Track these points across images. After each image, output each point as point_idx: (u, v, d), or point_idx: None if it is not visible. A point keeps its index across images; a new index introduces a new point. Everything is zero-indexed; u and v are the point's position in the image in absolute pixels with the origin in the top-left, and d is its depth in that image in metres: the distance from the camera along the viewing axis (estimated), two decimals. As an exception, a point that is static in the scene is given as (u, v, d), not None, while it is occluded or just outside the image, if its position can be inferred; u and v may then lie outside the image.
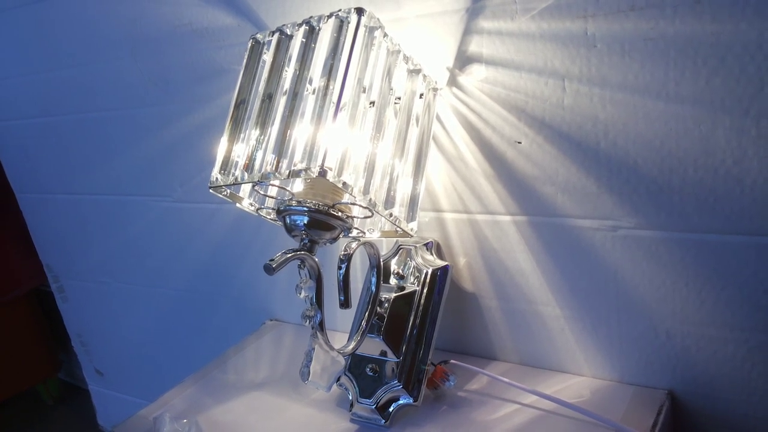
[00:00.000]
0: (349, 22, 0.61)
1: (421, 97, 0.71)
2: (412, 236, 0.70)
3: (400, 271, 0.78)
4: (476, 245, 0.79)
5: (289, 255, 0.61)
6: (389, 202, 0.66)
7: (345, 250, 0.67)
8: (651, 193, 0.66)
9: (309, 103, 0.61)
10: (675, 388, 0.72)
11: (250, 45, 0.69)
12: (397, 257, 0.80)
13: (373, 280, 0.73)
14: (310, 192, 0.64)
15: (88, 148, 1.19)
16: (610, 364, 0.75)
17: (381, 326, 0.74)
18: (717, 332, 0.67)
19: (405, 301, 0.76)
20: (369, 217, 0.68)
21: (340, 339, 0.87)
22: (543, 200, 0.72)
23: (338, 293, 0.67)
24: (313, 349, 0.65)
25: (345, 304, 0.68)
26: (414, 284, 0.77)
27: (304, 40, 0.64)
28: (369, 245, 0.71)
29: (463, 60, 0.72)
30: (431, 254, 0.80)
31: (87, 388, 1.59)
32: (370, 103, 0.64)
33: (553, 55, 0.66)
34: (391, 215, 0.66)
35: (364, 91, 0.62)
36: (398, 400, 0.73)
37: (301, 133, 0.61)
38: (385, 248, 0.83)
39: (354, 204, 0.66)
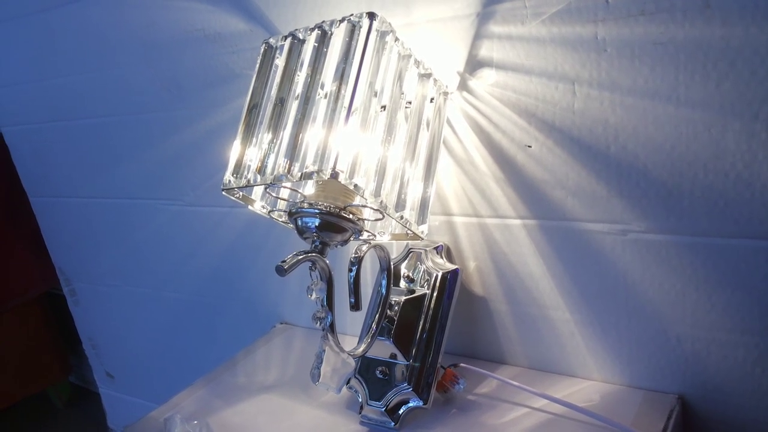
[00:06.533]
0: (360, 27, 0.61)
1: (431, 101, 0.71)
2: (422, 239, 0.70)
3: (410, 275, 0.79)
4: (486, 249, 0.79)
5: (301, 257, 0.62)
6: (400, 205, 0.67)
7: (356, 252, 0.67)
8: (661, 197, 0.66)
9: (321, 107, 0.62)
10: (685, 392, 0.72)
11: (262, 50, 0.69)
12: (407, 260, 0.80)
13: (384, 282, 0.74)
14: (322, 194, 0.65)
15: (101, 152, 1.20)
16: (620, 369, 0.75)
17: (391, 329, 0.75)
18: (727, 336, 0.67)
19: (415, 304, 0.76)
20: (380, 219, 0.69)
21: (350, 342, 0.87)
22: (553, 204, 0.72)
23: (349, 295, 0.68)
24: (324, 350, 0.65)
25: (355, 306, 0.68)
26: (424, 287, 0.77)
27: (316, 44, 0.65)
28: (379, 248, 0.71)
29: (474, 64, 0.72)
30: (441, 258, 0.80)
31: (98, 392, 1.60)
32: (382, 107, 0.65)
33: (563, 60, 0.66)
34: (401, 218, 0.66)
35: (375, 95, 0.63)
36: (408, 402, 0.73)
37: (313, 136, 0.61)
38: (395, 251, 0.84)
39: (365, 206, 0.66)
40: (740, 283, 0.65)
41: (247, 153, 0.67)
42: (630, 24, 0.62)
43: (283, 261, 0.60)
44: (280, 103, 0.66)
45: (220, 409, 0.82)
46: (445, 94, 0.73)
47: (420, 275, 0.78)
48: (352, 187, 0.59)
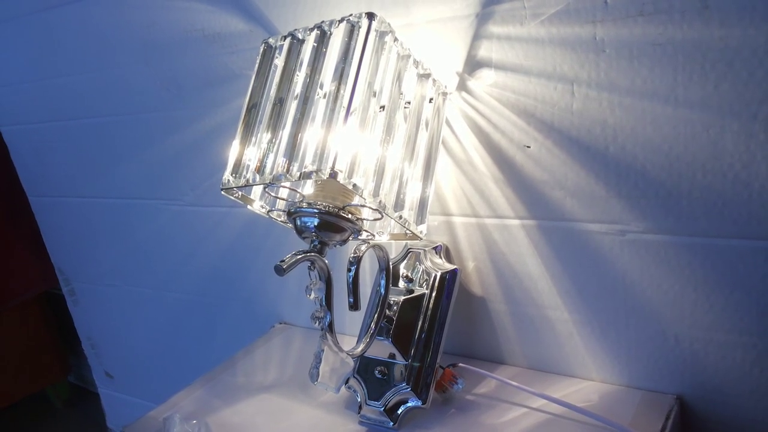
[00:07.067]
0: (360, 27, 0.61)
1: (430, 102, 0.71)
2: (421, 239, 0.70)
3: (409, 275, 0.79)
4: (485, 249, 0.79)
5: (300, 256, 0.62)
6: (399, 204, 0.67)
7: (354, 252, 0.67)
8: (659, 198, 0.66)
9: (320, 107, 0.62)
10: (684, 392, 0.72)
11: (262, 49, 0.70)
12: (406, 260, 0.80)
13: (383, 282, 0.74)
14: (321, 194, 0.65)
15: (101, 152, 1.20)
16: (619, 369, 0.75)
17: (390, 329, 0.75)
18: (725, 337, 0.67)
19: (414, 304, 0.76)
20: (378, 219, 0.69)
21: (349, 342, 0.87)
22: (552, 204, 0.72)
23: (347, 295, 0.68)
24: (323, 350, 0.65)
25: (354, 306, 0.68)
26: (423, 287, 0.77)
27: (315, 44, 0.65)
28: (378, 248, 0.71)
29: (473, 65, 0.72)
30: (440, 258, 0.80)
31: (97, 392, 1.60)
32: (381, 107, 0.65)
33: (562, 60, 0.66)
34: (400, 218, 0.66)
35: (374, 96, 0.63)
36: (407, 402, 0.73)
37: (311, 136, 0.61)
38: (394, 251, 0.84)
39: (364, 206, 0.66)
40: (739, 284, 0.65)
41: (246, 153, 0.67)
42: (628, 25, 0.62)
43: (282, 260, 0.60)
44: (279, 102, 0.66)
45: (219, 409, 0.82)
46: (444, 94, 0.73)
47: (419, 275, 0.78)
48: (350, 187, 0.59)
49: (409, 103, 0.69)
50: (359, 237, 0.69)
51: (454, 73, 0.74)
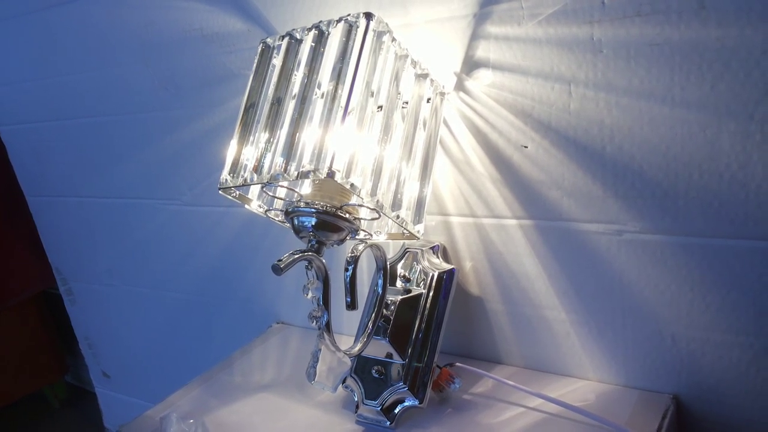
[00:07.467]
0: (357, 27, 0.61)
1: (428, 102, 0.71)
2: (418, 239, 0.71)
3: (407, 274, 0.79)
4: (482, 249, 0.79)
5: (297, 255, 0.62)
6: (396, 204, 0.67)
7: (352, 252, 0.67)
8: (656, 198, 0.66)
9: (317, 106, 0.62)
10: (680, 392, 0.72)
11: (260, 49, 0.70)
12: (403, 260, 0.80)
13: (380, 282, 0.74)
14: (318, 194, 0.65)
15: (99, 151, 1.20)
16: (616, 368, 0.75)
17: (387, 328, 0.75)
18: (722, 337, 0.68)
19: (411, 303, 0.76)
20: (376, 219, 0.69)
21: (346, 342, 0.87)
22: (549, 204, 0.73)
23: (345, 295, 0.68)
24: (320, 349, 0.65)
25: (351, 305, 0.68)
26: (420, 287, 0.77)
27: (313, 44, 0.65)
28: (376, 248, 0.72)
29: (471, 65, 0.72)
30: (437, 258, 0.80)
31: (94, 391, 1.60)
32: (378, 107, 0.65)
33: (559, 60, 0.67)
34: (398, 217, 0.66)
35: (372, 95, 0.63)
36: (404, 402, 0.73)
37: (309, 136, 0.61)
38: (391, 251, 0.84)
39: (361, 206, 0.66)
40: (735, 284, 0.65)
41: (244, 152, 0.67)
42: (626, 25, 0.62)
43: (279, 260, 0.60)
44: (277, 102, 0.66)
45: (216, 409, 0.82)
46: (442, 94, 0.73)
47: (416, 275, 0.78)
48: (348, 187, 0.60)
49: (406, 102, 0.69)
50: (357, 236, 0.69)
51: (451, 73, 0.74)
